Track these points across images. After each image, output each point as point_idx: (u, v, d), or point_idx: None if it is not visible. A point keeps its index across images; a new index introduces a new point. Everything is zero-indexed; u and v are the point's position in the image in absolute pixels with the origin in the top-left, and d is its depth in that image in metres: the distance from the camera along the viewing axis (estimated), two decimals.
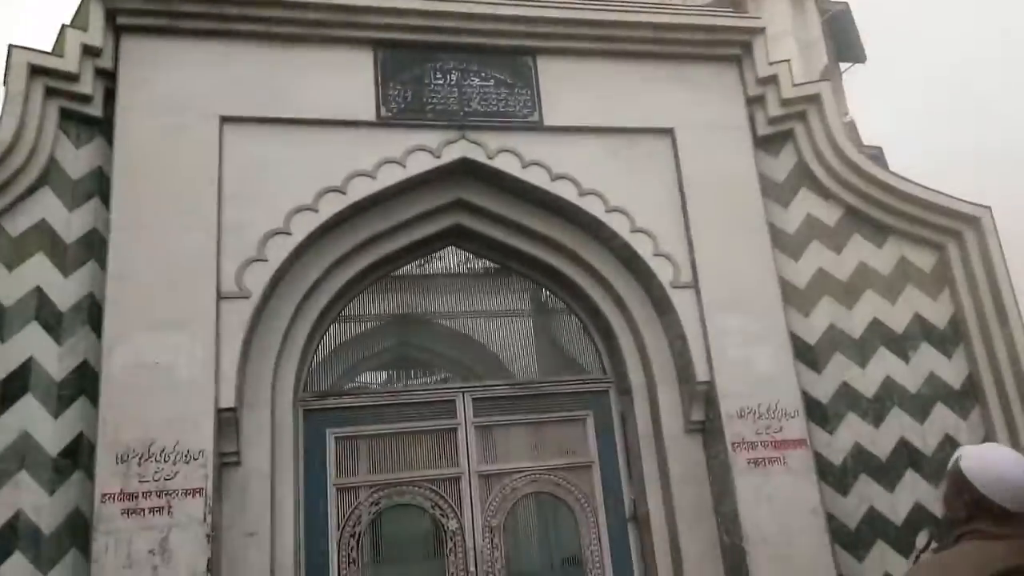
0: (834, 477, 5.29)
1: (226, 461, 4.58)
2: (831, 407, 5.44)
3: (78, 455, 4.35)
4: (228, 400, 4.51)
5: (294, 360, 5.06)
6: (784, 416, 5.16)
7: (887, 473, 5.36)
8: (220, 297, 4.64)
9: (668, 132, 5.64)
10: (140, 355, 4.42)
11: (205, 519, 4.25)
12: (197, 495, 4.29)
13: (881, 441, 5.42)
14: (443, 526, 5.21)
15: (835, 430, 5.40)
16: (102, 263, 4.60)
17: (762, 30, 5.90)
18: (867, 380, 5.53)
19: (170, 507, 4.25)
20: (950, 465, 2.11)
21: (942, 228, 5.86)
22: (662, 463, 5.32)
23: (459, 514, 5.23)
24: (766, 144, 5.90)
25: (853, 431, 5.41)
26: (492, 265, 5.89)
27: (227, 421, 4.52)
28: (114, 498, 4.19)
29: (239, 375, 4.61)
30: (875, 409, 5.48)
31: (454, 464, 5.33)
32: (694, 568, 5.08)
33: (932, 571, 2.04)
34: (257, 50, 5.07)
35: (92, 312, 4.55)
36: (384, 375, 5.82)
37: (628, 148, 5.57)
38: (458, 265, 5.89)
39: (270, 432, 4.77)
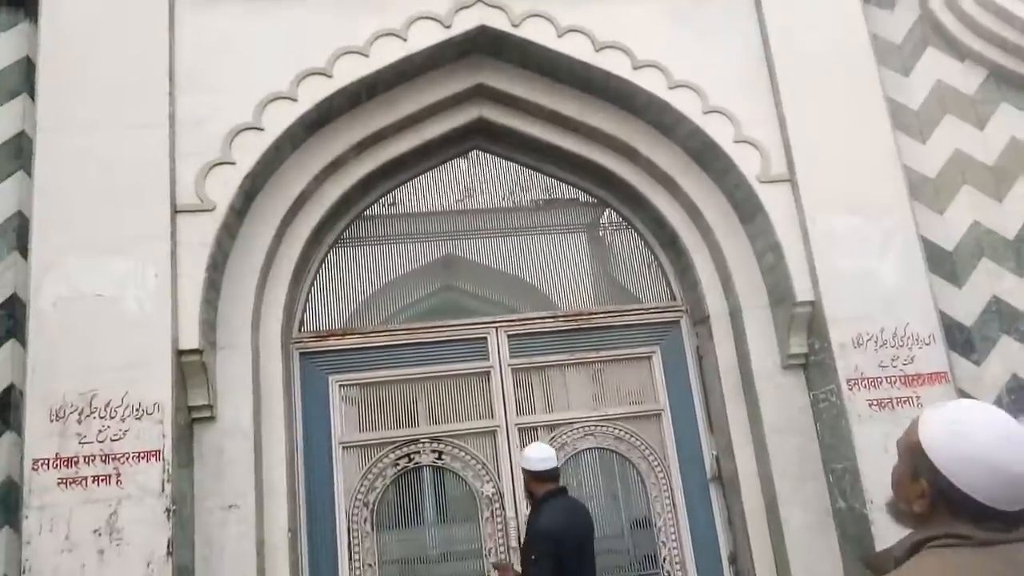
0: None
1: (197, 416, 3.66)
2: (978, 329, 4.14)
3: (8, 411, 3.48)
4: (191, 340, 3.55)
5: (281, 291, 4.06)
6: (916, 342, 3.91)
7: None
8: (175, 211, 3.66)
9: None
10: (76, 286, 3.49)
11: (163, 489, 3.33)
12: (152, 459, 3.36)
13: None
14: (477, 491, 4.19)
15: (984, 359, 4.10)
16: (32, 173, 3.68)
17: None
18: None
19: (119, 475, 3.33)
20: (904, 433, 1.29)
21: None
22: (752, 409, 4.15)
23: (496, 476, 4.20)
24: None
25: (1010, 360, 4.10)
26: (538, 197, 4.73)
27: (191, 367, 3.57)
28: (48, 464, 3.30)
29: (205, 308, 3.64)
30: None
31: (488, 415, 4.30)
32: (800, 539, 3.93)
33: None
34: None
35: (21, 234, 3.66)
36: (400, 315, 4.76)
37: (695, 6, 4.30)
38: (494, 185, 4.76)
39: (252, 380, 3.80)
